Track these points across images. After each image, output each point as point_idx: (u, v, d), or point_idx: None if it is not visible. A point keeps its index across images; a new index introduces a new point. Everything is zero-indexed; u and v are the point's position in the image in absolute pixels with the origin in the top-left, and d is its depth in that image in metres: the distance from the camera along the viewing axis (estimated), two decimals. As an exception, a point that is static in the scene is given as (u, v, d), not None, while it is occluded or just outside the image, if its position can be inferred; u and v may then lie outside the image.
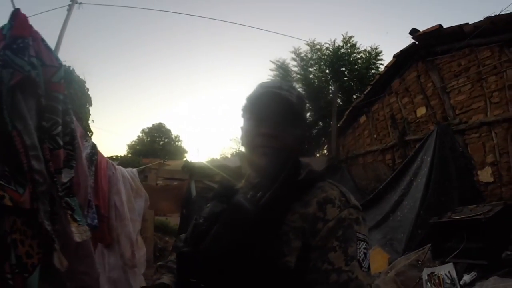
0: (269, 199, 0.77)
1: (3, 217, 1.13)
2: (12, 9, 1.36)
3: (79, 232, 1.42)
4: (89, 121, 5.50)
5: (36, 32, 1.37)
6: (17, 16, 1.31)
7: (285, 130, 0.86)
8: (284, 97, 0.88)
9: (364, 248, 0.75)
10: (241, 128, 0.95)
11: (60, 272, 1.27)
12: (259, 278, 0.71)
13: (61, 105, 1.42)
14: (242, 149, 0.98)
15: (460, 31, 4.34)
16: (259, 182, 0.87)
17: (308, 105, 10.37)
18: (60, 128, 1.40)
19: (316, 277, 0.72)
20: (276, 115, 0.86)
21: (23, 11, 1.35)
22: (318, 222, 0.75)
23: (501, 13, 3.88)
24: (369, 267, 0.75)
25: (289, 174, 0.82)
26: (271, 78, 10.68)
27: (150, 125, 29.06)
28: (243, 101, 0.95)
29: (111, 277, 2.58)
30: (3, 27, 1.31)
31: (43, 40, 1.39)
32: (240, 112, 0.96)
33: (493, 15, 3.95)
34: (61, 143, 1.41)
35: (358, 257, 0.73)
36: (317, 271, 0.72)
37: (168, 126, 29.84)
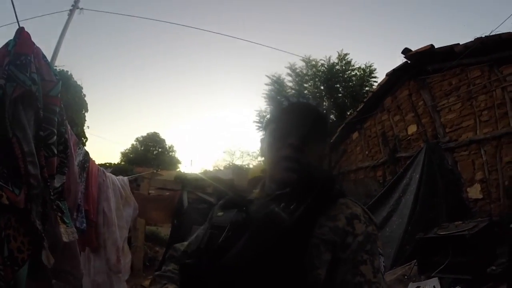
0: (304, 211, 0.76)
1: (-1, 214, 1.22)
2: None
3: (66, 233, 1.53)
4: (84, 127, 5.55)
5: (38, 49, 1.50)
6: (21, 34, 1.43)
7: (312, 143, 0.86)
8: (315, 109, 0.89)
9: (383, 262, 0.80)
10: (262, 140, 0.96)
11: (46, 269, 1.37)
12: None
13: (57, 117, 1.54)
14: (264, 160, 0.95)
15: (451, 51, 4.44)
16: (284, 194, 0.83)
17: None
18: (55, 137, 1.52)
19: None
20: (306, 126, 0.85)
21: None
22: (348, 236, 0.77)
23: (490, 34, 4.01)
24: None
25: (324, 188, 0.81)
26: (266, 92, 10.79)
27: (144, 134, 27.85)
28: (269, 113, 0.96)
29: (95, 281, 2.65)
30: (8, 44, 1.43)
31: (44, 57, 1.52)
32: (264, 124, 0.97)
33: (483, 35, 4.07)
34: (56, 151, 1.53)
35: (381, 270, 0.77)
36: (348, 283, 0.74)
37: (162, 136, 28.94)
